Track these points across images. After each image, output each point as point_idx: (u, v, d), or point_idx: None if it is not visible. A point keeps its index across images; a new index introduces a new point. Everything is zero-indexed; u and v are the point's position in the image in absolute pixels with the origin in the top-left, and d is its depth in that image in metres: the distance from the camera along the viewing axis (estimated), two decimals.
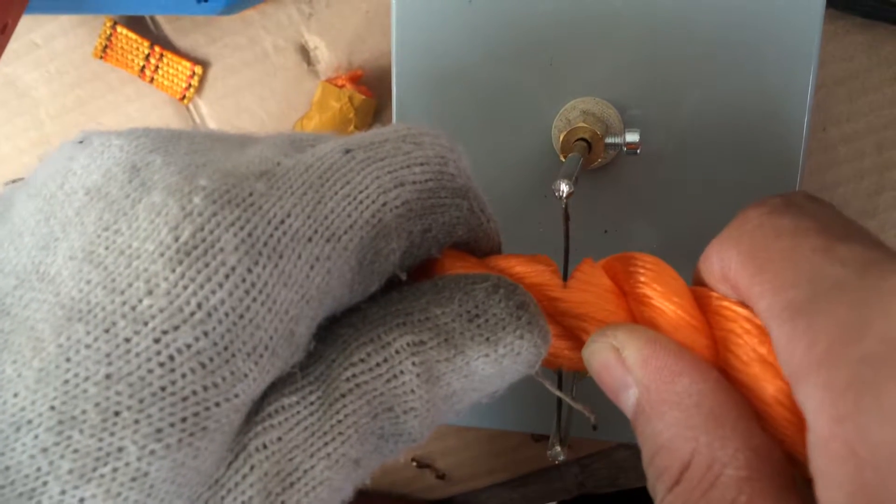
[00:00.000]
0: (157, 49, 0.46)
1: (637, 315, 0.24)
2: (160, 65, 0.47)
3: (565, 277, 0.25)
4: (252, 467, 0.20)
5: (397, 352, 0.22)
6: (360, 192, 0.21)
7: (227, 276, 0.19)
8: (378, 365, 0.22)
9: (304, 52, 0.46)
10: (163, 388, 0.18)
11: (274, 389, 0.21)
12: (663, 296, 0.22)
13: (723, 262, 0.21)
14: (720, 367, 0.22)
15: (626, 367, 0.22)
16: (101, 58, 0.47)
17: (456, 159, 0.24)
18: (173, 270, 0.18)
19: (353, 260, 0.21)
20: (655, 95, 0.34)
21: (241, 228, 0.19)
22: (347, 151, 0.22)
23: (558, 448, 0.27)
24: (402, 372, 0.22)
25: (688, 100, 0.34)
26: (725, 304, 0.22)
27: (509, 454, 0.51)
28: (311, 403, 0.21)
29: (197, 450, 0.19)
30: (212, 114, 0.48)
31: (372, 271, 0.22)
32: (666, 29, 0.33)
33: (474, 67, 0.35)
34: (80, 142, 0.22)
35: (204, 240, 0.19)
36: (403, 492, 0.53)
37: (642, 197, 0.35)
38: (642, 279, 0.23)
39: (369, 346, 0.22)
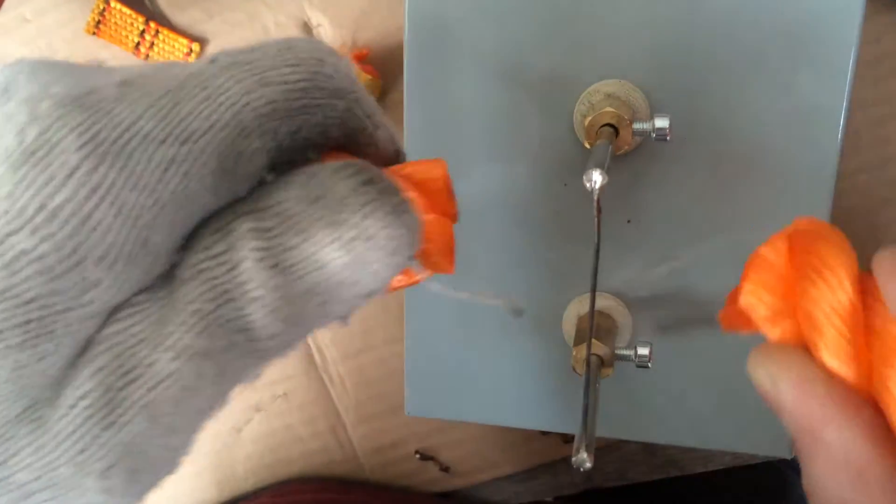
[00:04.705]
0: (152, 25, 0.44)
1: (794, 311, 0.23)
2: (155, 41, 0.45)
3: (594, 279, 0.24)
4: (91, 360, 0.20)
5: (239, 238, 0.21)
6: (221, 93, 0.20)
7: (68, 177, 0.18)
8: (222, 253, 0.21)
9: (307, 30, 0.45)
10: (3, 291, 0.18)
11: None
12: (825, 315, 0.21)
13: None
14: (872, 392, 0.21)
15: (780, 402, 0.22)
16: (94, 34, 0.45)
17: (335, 62, 0.22)
18: (15, 173, 0.18)
19: (213, 162, 0.20)
20: (684, 78, 0.32)
21: (87, 130, 0.19)
22: (214, 60, 0.21)
23: (584, 455, 0.25)
24: (243, 259, 0.21)
25: (718, 83, 0.32)
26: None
27: (516, 447, 0.50)
28: (160, 298, 0.21)
29: (42, 352, 0.19)
30: None
31: (236, 174, 0.21)
32: (696, 7, 0.32)
33: (491, 47, 0.33)
34: None
35: (47, 141, 0.19)
36: (406, 484, 0.52)
37: (668, 186, 0.33)
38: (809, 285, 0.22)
39: (215, 235, 0.21)
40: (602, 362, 0.31)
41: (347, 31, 0.44)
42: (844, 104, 0.32)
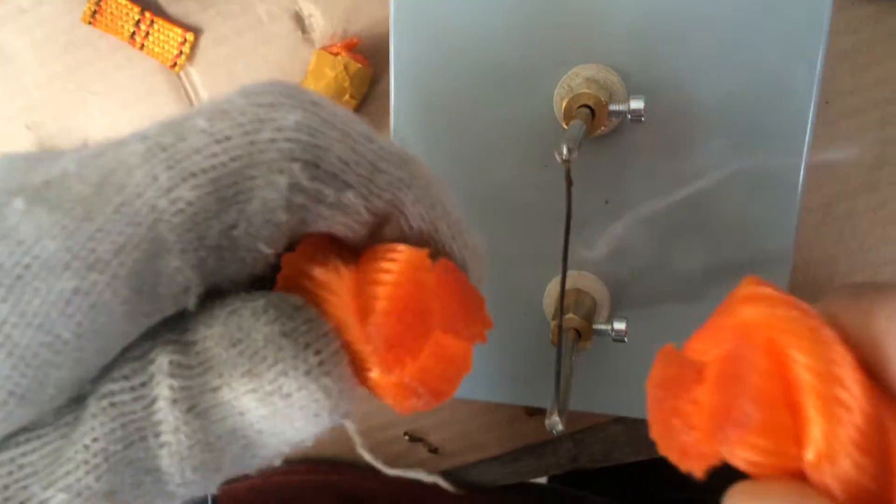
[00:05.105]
0: (147, 15, 0.45)
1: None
2: (150, 31, 0.46)
3: (566, 248, 0.25)
4: None
5: (159, 370, 0.18)
6: (136, 197, 0.17)
7: None
8: (141, 385, 0.18)
9: (299, 20, 0.45)
10: None
11: None
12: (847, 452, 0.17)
13: None
14: None
15: None
16: (90, 23, 0.46)
17: (280, 118, 0.18)
18: None
19: (126, 290, 0.17)
20: (660, 62, 0.33)
21: None
22: (145, 138, 0.18)
23: (556, 418, 0.27)
24: (159, 396, 0.18)
25: (693, 67, 0.33)
26: None
27: (503, 429, 0.51)
28: (64, 424, 0.18)
29: None
30: (204, 82, 0.47)
31: (157, 295, 0.18)
32: None
33: (474, 33, 0.34)
34: None
35: None
36: (395, 465, 0.53)
37: (645, 166, 0.34)
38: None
39: (135, 363, 0.19)
40: (579, 335, 0.32)
41: (339, 20, 0.45)
42: (815, 86, 0.33)
